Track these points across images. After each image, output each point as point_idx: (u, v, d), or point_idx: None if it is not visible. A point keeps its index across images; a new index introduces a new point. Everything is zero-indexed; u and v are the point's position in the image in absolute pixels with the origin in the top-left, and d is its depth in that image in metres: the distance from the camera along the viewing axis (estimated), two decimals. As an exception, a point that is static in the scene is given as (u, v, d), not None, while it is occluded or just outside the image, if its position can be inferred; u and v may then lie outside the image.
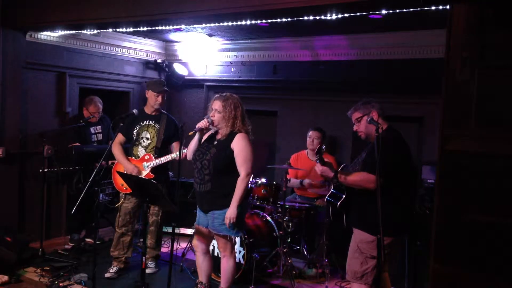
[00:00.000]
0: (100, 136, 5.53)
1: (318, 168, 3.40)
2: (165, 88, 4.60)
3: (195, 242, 3.90)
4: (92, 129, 5.46)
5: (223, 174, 3.61)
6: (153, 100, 4.54)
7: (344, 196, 3.38)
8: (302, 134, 5.50)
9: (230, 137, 3.61)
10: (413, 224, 4.04)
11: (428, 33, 4.71)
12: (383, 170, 2.99)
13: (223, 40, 6.13)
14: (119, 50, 6.24)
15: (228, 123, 3.61)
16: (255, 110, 5.84)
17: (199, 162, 3.68)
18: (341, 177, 3.26)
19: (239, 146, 3.57)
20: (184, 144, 3.88)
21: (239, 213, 3.58)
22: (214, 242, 4.46)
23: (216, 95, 3.75)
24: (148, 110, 4.61)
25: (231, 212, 3.54)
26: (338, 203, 3.39)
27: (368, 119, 3.26)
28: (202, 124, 3.66)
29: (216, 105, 3.65)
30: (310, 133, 5.24)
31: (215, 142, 3.70)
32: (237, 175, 3.59)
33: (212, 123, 3.67)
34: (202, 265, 3.91)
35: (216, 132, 3.75)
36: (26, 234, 5.10)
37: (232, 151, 3.58)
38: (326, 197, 3.58)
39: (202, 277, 3.92)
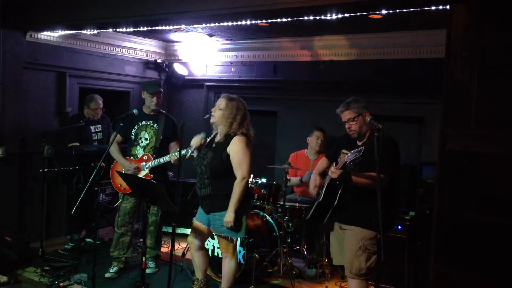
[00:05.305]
0: (100, 135, 5.52)
1: (335, 171, 3.24)
2: (160, 89, 4.58)
3: (191, 238, 3.88)
4: (92, 127, 5.46)
5: (222, 177, 3.60)
6: (149, 101, 4.53)
7: (336, 201, 3.31)
8: (302, 134, 5.49)
9: (227, 140, 3.60)
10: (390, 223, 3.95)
11: (428, 33, 4.71)
12: (389, 170, 3.06)
13: (223, 40, 6.13)
14: (119, 50, 6.24)
15: (227, 123, 3.60)
16: (255, 110, 5.81)
17: (199, 167, 3.69)
18: (354, 178, 3.22)
19: (235, 149, 3.56)
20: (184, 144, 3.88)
21: (238, 216, 3.57)
22: (214, 242, 4.47)
23: (224, 94, 3.75)
24: (146, 110, 4.60)
25: (228, 216, 3.53)
26: (334, 204, 3.35)
27: (368, 119, 3.27)
28: (194, 141, 3.74)
29: (221, 102, 3.65)
30: (315, 132, 5.24)
31: (213, 145, 3.70)
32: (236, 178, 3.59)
33: (205, 135, 3.73)
34: (197, 261, 3.89)
35: (216, 135, 3.76)
36: (26, 234, 5.10)
37: (228, 155, 3.57)
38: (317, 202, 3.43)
39: (198, 273, 3.92)
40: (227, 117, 3.59)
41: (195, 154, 3.83)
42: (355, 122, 3.35)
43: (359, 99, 3.40)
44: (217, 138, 3.71)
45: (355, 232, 3.32)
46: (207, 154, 3.67)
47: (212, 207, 3.65)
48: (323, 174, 3.58)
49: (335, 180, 3.28)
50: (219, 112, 3.63)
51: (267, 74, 6.05)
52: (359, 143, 3.38)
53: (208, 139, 3.81)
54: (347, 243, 3.36)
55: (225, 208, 3.58)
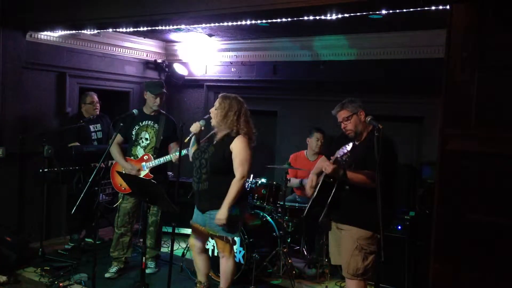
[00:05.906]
0: (100, 134, 5.52)
1: (329, 165, 3.21)
2: (164, 90, 4.58)
3: (192, 241, 3.88)
4: (91, 127, 5.46)
5: (220, 174, 3.60)
6: (152, 101, 4.53)
7: (330, 198, 3.30)
8: (302, 134, 5.49)
9: (229, 138, 3.60)
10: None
11: (428, 33, 4.71)
12: (386, 169, 3.04)
13: (223, 40, 6.12)
14: (119, 50, 6.24)
15: (222, 121, 3.61)
16: (255, 110, 5.78)
17: (198, 161, 3.69)
18: (349, 173, 3.21)
19: (237, 148, 3.56)
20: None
21: (234, 215, 3.56)
22: (214, 241, 4.47)
23: (221, 94, 3.76)
24: (147, 110, 4.60)
25: (221, 213, 3.51)
26: (328, 201, 3.33)
27: (368, 119, 3.27)
28: (194, 128, 3.72)
29: (216, 102, 3.68)
30: (315, 134, 5.23)
31: (215, 142, 3.70)
32: (234, 176, 3.58)
33: (205, 123, 3.72)
34: (199, 264, 3.90)
35: (217, 132, 3.76)
36: (26, 234, 5.10)
37: (230, 153, 3.57)
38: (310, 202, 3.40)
39: (200, 276, 3.92)
40: (221, 115, 3.60)
41: (192, 149, 3.83)
42: (349, 121, 3.38)
43: (354, 99, 3.44)
44: (218, 136, 3.71)
45: (351, 232, 3.31)
46: (208, 148, 3.67)
47: (209, 205, 3.64)
48: (321, 173, 3.58)
49: (329, 177, 3.24)
50: (214, 111, 3.66)
51: (267, 74, 6.05)
52: (356, 143, 3.39)
53: (209, 135, 3.81)
54: (344, 243, 3.36)
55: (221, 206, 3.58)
